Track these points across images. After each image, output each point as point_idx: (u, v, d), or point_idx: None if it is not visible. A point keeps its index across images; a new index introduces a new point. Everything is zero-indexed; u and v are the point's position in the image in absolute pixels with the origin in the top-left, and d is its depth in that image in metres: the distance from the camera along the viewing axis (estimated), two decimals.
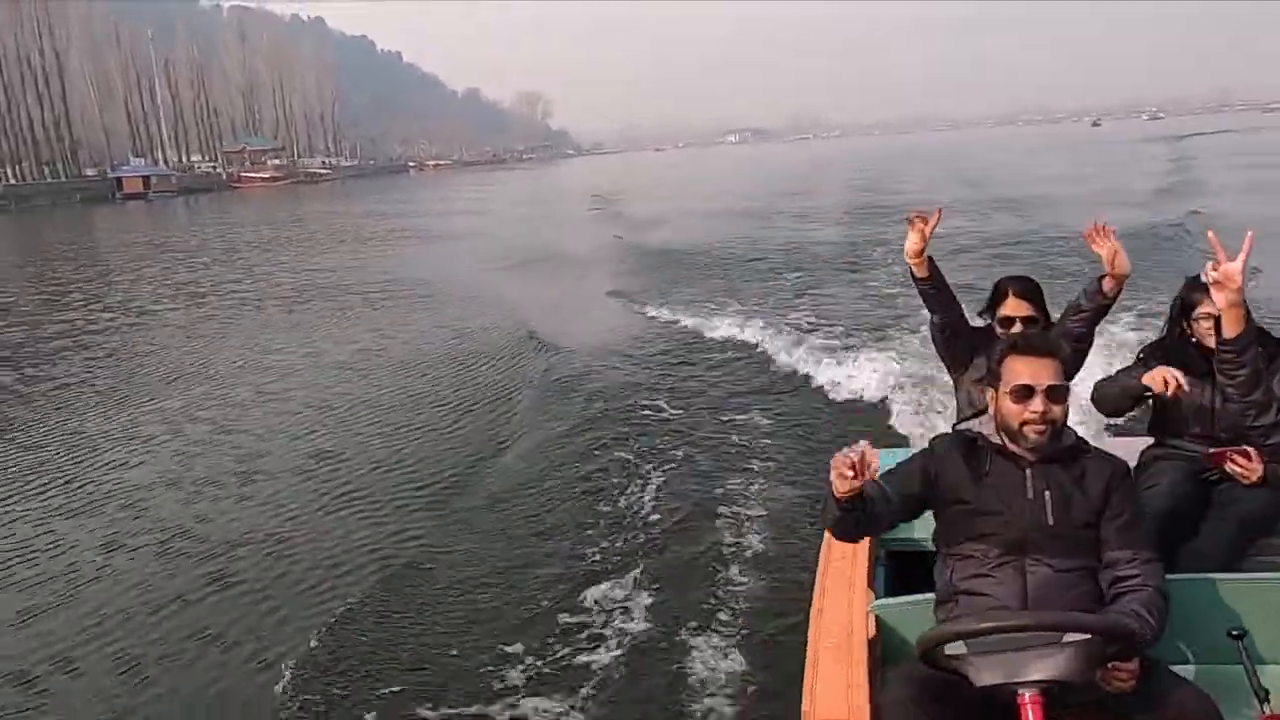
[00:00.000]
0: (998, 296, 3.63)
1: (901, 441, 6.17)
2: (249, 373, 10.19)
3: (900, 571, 3.30)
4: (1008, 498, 2.50)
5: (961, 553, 2.54)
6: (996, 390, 2.58)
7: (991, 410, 2.62)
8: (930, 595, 2.66)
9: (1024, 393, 2.48)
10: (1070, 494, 2.49)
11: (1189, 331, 3.38)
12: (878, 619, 2.73)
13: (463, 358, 10.09)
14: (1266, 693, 2.19)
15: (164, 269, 22.30)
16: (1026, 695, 2.04)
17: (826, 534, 3.27)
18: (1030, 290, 3.62)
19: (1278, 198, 20.70)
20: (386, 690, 3.81)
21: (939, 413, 6.64)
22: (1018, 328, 3.51)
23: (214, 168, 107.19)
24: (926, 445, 2.74)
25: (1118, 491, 2.51)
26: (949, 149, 76.62)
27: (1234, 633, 2.31)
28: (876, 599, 2.83)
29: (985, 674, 2.10)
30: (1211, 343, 3.23)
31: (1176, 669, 2.41)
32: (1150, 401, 3.41)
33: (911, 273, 3.75)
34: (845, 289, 13.06)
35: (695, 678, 3.75)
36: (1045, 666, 2.05)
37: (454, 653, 4.06)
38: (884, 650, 2.71)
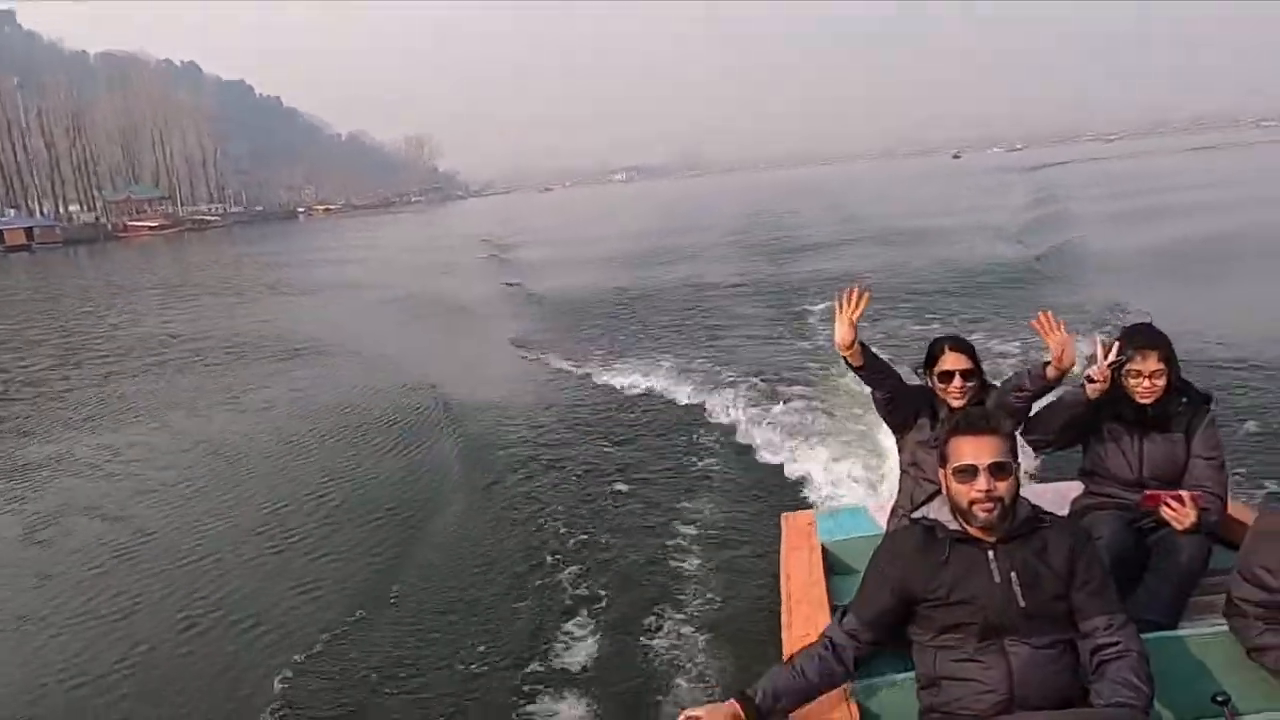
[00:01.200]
0: (935, 354, 3.74)
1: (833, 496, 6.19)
2: (142, 442, 9.58)
3: None
4: (975, 585, 2.47)
5: (938, 644, 2.52)
6: (945, 470, 2.59)
7: (944, 490, 2.62)
8: (910, 674, 2.63)
9: (968, 472, 2.49)
10: (1036, 570, 2.47)
11: (1120, 384, 3.48)
12: (860, 706, 2.64)
13: (369, 415, 9.71)
14: None
15: (59, 324, 21.39)
16: None
17: (783, 608, 3.40)
18: (964, 345, 3.76)
19: (1128, 227, 22.03)
20: None
21: (874, 469, 6.52)
22: (957, 380, 3.64)
23: (95, 218, 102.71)
24: (876, 522, 2.78)
25: (1082, 559, 2.50)
26: (833, 183, 78.99)
27: (1218, 699, 2.29)
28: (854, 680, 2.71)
29: None
30: (1139, 396, 3.43)
31: None
32: (1082, 449, 3.61)
33: (846, 361, 3.78)
34: (752, 329, 13.18)
35: None
36: None
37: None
38: None
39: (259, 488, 7.60)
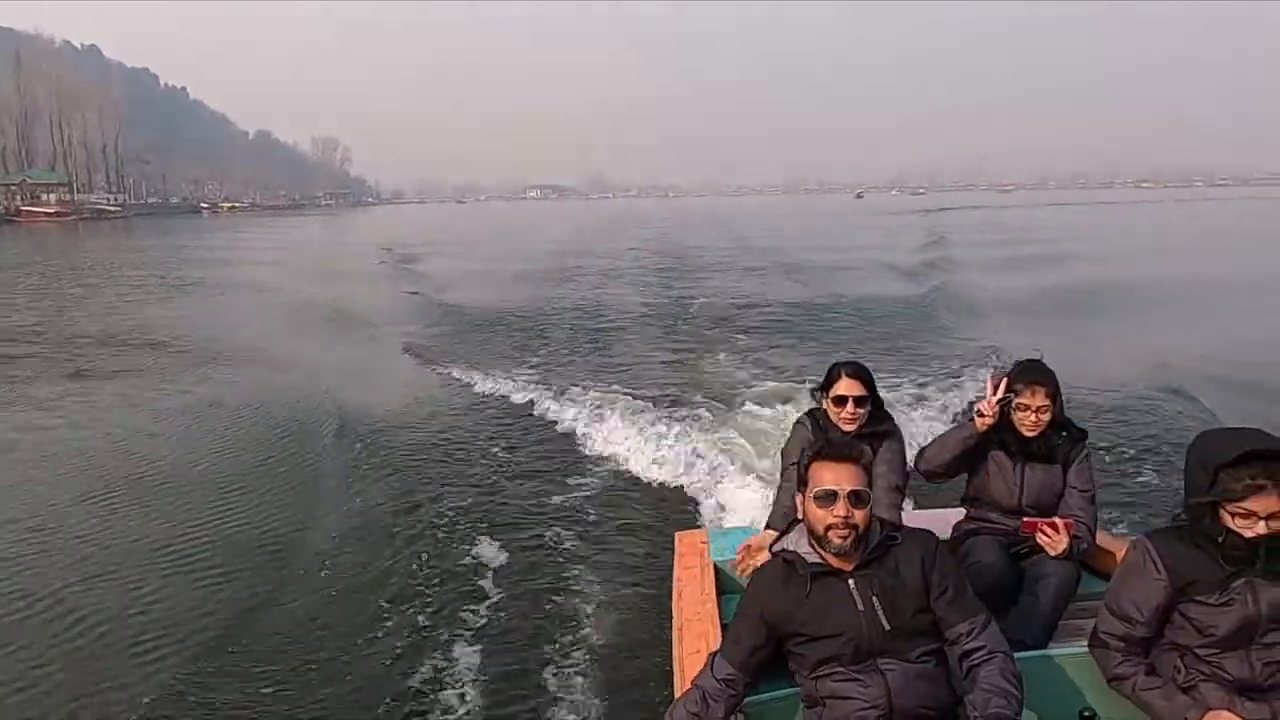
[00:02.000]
0: (832, 378, 3.81)
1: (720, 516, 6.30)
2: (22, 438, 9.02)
3: None
4: (840, 617, 2.52)
5: (816, 673, 2.56)
6: (804, 495, 2.62)
7: (800, 514, 2.66)
8: (797, 689, 2.67)
9: (827, 498, 2.53)
10: (895, 590, 2.54)
11: (1007, 416, 3.62)
12: (748, 717, 2.69)
13: (257, 422, 9.35)
14: None
15: None
16: None
17: (675, 625, 3.41)
18: (862, 371, 3.82)
19: (1006, 272, 23.14)
20: None
21: (767, 487, 6.41)
22: (850, 406, 3.72)
23: None
24: (752, 573, 2.79)
25: (935, 569, 2.57)
26: (740, 214, 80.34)
27: (1085, 715, 2.32)
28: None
29: None
30: (1025, 429, 3.59)
31: None
32: (966, 476, 3.76)
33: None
34: (649, 352, 13.29)
35: None
36: None
37: None
38: None
39: (117, 499, 7.07)
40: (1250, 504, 2.40)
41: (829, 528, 2.53)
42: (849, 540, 2.52)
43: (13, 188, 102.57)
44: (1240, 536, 2.44)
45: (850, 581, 2.55)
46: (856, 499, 2.53)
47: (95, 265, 34.41)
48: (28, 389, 11.49)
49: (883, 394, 3.95)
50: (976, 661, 2.48)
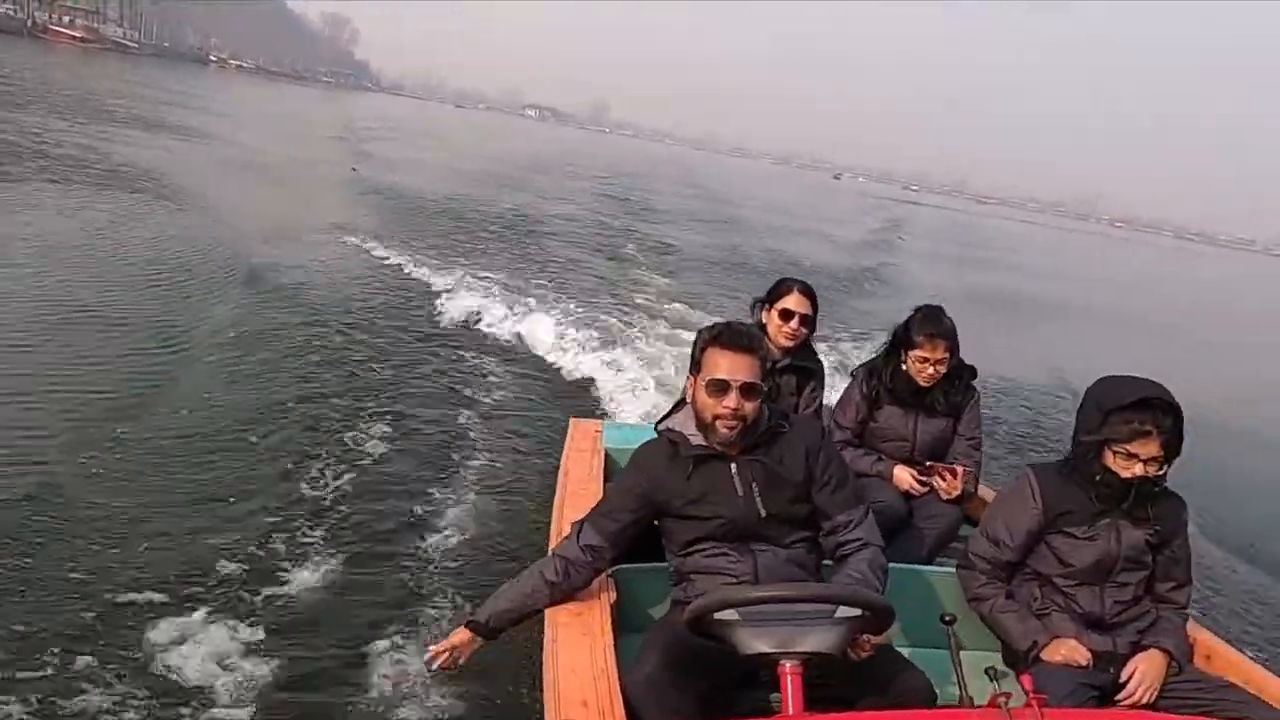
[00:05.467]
0: (780, 291, 3.60)
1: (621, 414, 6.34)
2: None
3: None
4: (718, 499, 2.45)
5: (689, 550, 2.50)
6: (695, 379, 2.50)
7: (689, 399, 2.56)
8: (665, 565, 2.60)
9: (720, 386, 2.41)
10: (776, 478, 2.46)
11: (903, 360, 3.56)
12: (618, 584, 2.64)
13: (159, 260, 8.85)
14: (964, 677, 2.25)
15: None
16: (788, 665, 2.00)
17: (556, 498, 3.36)
18: (811, 290, 3.62)
19: (950, 268, 23.25)
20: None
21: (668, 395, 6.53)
22: (795, 322, 3.53)
23: (14, 10, 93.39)
24: (637, 449, 2.65)
25: (819, 460, 2.51)
26: (723, 173, 79.50)
27: (946, 619, 2.34)
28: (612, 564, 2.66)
29: (754, 643, 2.03)
30: (921, 380, 3.52)
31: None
32: (858, 419, 3.67)
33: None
34: (582, 261, 13.30)
35: (417, 659, 3.13)
36: (816, 639, 2.02)
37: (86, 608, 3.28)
38: (624, 617, 2.62)
39: None
40: (1134, 446, 2.49)
41: (717, 417, 2.42)
42: (735, 432, 2.42)
43: (47, 3, 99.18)
44: (1117, 476, 2.52)
45: (733, 466, 2.46)
46: (749, 391, 2.41)
47: (115, 92, 33.15)
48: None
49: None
50: (849, 551, 2.48)
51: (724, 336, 2.47)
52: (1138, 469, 2.50)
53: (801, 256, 18.48)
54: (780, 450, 2.49)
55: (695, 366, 2.51)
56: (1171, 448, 2.52)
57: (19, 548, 3.60)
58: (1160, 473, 2.54)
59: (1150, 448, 2.49)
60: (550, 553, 2.61)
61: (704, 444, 2.48)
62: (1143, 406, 2.49)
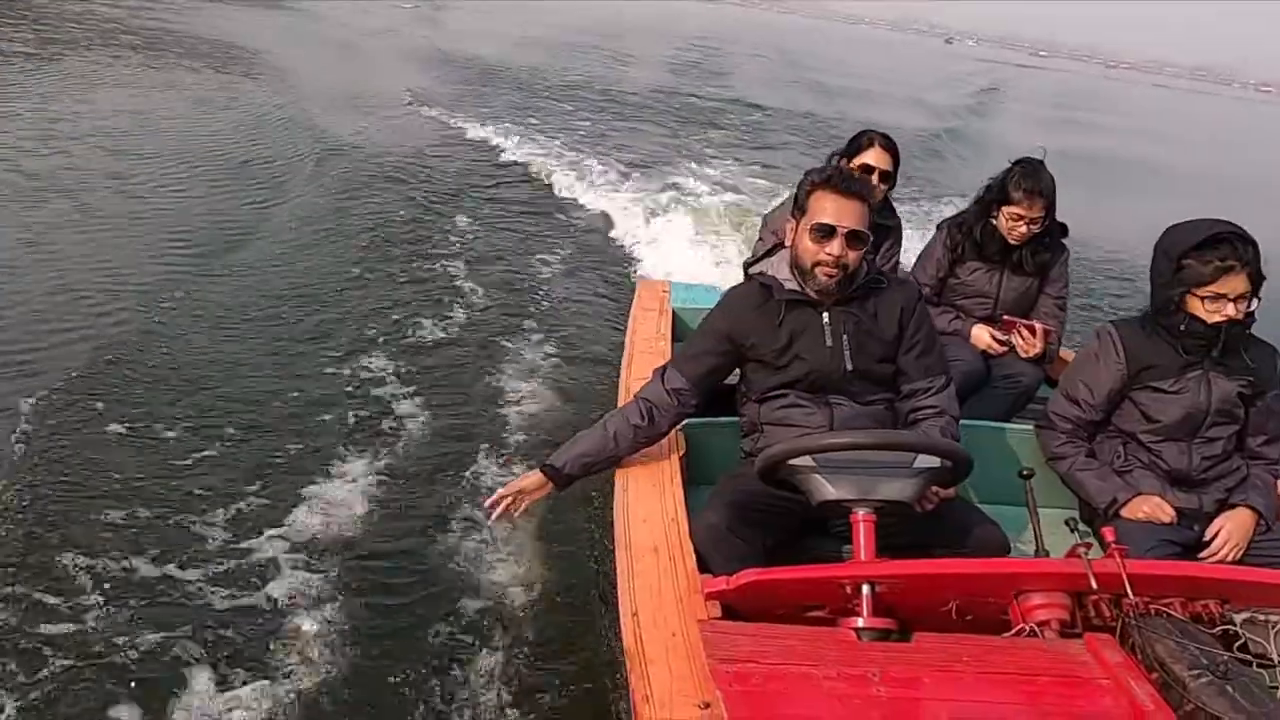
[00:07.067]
0: (860, 145, 3.41)
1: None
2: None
3: None
4: (806, 346, 2.37)
5: (765, 396, 2.43)
6: (798, 223, 2.41)
7: (789, 241, 2.46)
8: (735, 419, 2.58)
9: (825, 231, 2.32)
10: (867, 333, 2.39)
11: (995, 215, 3.36)
12: (687, 438, 2.64)
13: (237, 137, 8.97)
14: (1040, 531, 2.25)
15: None
16: (860, 514, 1.98)
17: (625, 356, 3.31)
18: (892, 144, 3.42)
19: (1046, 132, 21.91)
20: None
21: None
22: (875, 179, 3.29)
23: None
24: (721, 295, 2.60)
25: (911, 321, 2.43)
26: (832, 44, 75.42)
27: (1024, 473, 2.32)
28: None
29: (830, 489, 2.00)
30: (1012, 239, 3.33)
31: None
32: (939, 276, 3.52)
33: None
34: (654, 135, 13.02)
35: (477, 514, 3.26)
36: (893, 488, 1.99)
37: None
38: (693, 471, 2.63)
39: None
40: (1219, 285, 2.35)
41: (818, 264, 2.34)
42: (834, 280, 2.34)
43: None
44: (1203, 323, 2.39)
45: (825, 315, 2.39)
46: (854, 239, 2.32)
47: None
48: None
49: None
50: (923, 416, 2.41)
51: (834, 180, 2.37)
52: (1229, 310, 2.36)
53: (882, 121, 17.64)
54: (874, 306, 2.42)
55: (799, 209, 2.41)
56: (1257, 282, 2.38)
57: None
58: (1250, 310, 2.40)
59: (1237, 283, 2.35)
60: (634, 397, 2.52)
61: (798, 290, 2.41)
62: (1217, 242, 2.34)
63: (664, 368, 2.52)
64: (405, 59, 17.28)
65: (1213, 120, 47.53)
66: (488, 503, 2.52)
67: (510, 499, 2.46)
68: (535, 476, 2.47)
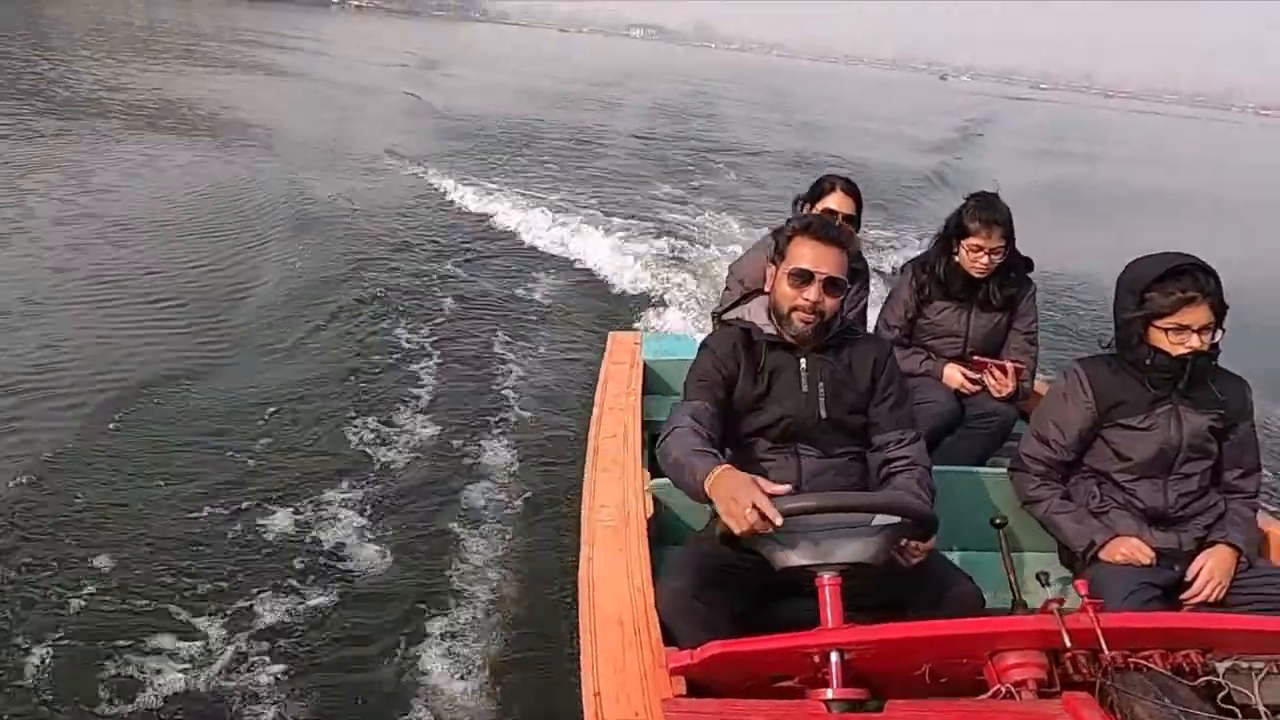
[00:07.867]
0: (822, 189, 3.42)
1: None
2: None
3: None
4: (783, 390, 2.36)
5: (738, 445, 2.40)
6: (777, 268, 2.39)
7: (768, 287, 2.44)
8: None
9: (803, 277, 2.31)
10: (842, 382, 2.37)
11: (955, 251, 3.32)
12: (655, 498, 2.59)
13: (216, 208, 8.80)
14: (1017, 581, 2.17)
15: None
16: (826, 577, 1.89)
17: (595, 413, 3.24)
18: (854, 189, 3.43)
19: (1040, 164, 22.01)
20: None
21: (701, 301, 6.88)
22: (838, 222, 3.17)
23: None
24: (699, 342, 2.53)
25: (883, 374, 2.41)
26: (825, 84, 76.24)
27: (996, 522, 2.24)
28: (650, 479, 2.63)
29: (790, 556, 1.92)
30: (975, 272, 3.28)
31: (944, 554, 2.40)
32: (907, 317, 3.47)
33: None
34: (647, 181, 13.09)
35: (469, 562, 3.41)
36: (852, 550, 1.91)
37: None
38: (662, 531, 2.58)
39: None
40: (1181, 316, 2.30)
41: (794, 309, 2.32)
42: (812, 326, 2.32)
43: None
44: (1168, 355, 2.34)
45: (803, 360, 2.36)
46: (831, 285, 2.30)
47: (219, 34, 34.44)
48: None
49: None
50: (897, 469, 2.35)
51: (814, 227, 2.35)
52: (1193, 341, 2.30)
53: (860, 159, 17.73)
54: (849, 356, 2.40)
55: (779, 254, 2.39)
56: (1220, 313, 2.31)
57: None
58: (1214, 342, 2.34)
59: (1199, 314, 2.29)
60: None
61: (776, 335, 2.38)
62: (1178, 274, 2.29)
63: (674, 412, 2.36)
64: (397, 117, 17.53)
65: (1206, 145, 47.66)
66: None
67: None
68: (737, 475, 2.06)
